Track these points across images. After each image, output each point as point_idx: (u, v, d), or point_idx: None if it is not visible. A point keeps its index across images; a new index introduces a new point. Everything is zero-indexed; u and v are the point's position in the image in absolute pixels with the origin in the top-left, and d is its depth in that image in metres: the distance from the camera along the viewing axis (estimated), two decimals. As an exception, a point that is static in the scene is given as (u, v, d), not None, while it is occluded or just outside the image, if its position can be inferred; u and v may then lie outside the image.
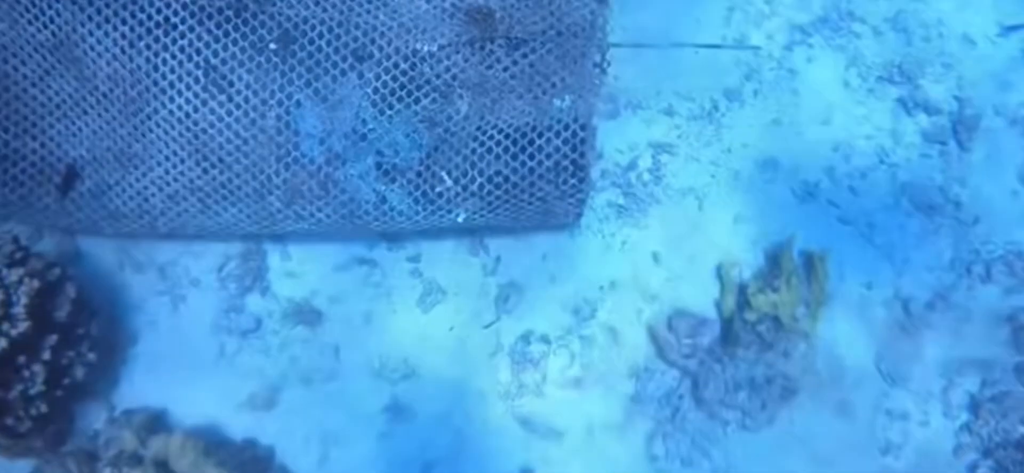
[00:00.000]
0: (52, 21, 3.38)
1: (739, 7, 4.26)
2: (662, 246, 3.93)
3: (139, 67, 3.36)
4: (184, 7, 3.33)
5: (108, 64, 3.38)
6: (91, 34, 3.36)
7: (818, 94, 4.13)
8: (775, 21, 4.25)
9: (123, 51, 3.35)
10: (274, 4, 3.38)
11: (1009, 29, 4.16)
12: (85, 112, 3.47)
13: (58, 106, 3.47)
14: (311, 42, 3.36)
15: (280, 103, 3.36)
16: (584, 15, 3.46)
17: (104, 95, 3.42)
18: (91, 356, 3.42)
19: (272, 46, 3.37)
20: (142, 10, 3.33)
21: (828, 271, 3.79)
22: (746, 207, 3.97)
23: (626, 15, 4.20)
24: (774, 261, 3.82)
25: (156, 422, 3.55)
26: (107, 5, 3.34)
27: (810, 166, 4.02)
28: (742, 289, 3.78)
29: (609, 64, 3.42)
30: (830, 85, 4.14)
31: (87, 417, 3.59)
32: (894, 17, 4.23)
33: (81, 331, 3.44)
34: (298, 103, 3.37)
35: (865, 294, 3.88)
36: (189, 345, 3.74)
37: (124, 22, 3.33)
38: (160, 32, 3.33)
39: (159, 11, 3.33)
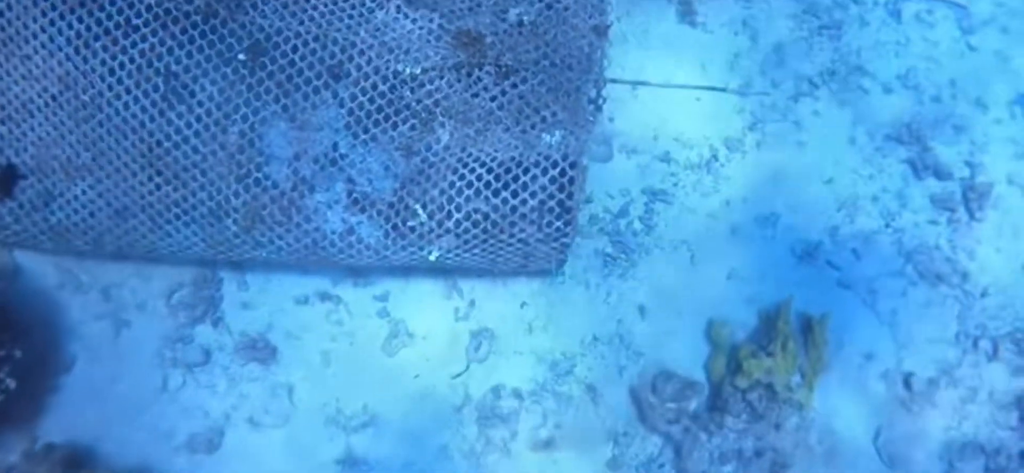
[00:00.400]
0: (2, 14, 3.17)
1: (745, 54, 4.11)
2: (650, 300, 3.73)
3: (93, 69, 3.16)
4: (148, 8, 3.15)
5: (60, 65, 3.18)
6: (44, 30, 3.16)
7: (823, 149, 3.97)
8: (781, 70, 4.10)
9: (77, 51, 3.15)
10: (247, 13, 3.20)
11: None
12: (32, 114, 3.25)
13: (2, 107, 3.25)
14: (284, 55, 3.17)
15: (244, 118, 3.16)
16: (581, 47, 3.29)
17: (53, 98, 3.21)
18: (11, 382, 3.15)
19: (241, 57, 3.17)
20: (102, 9, 3.14)
21: (827, 337, 3.61)
22: (742, 264, 3.79)
23: (625, 53, 4.06)
24: (769, 323, 3.63)
25: (80, 459, 3.28)
26: (64, 1, 3.14)
27: (812, 225, 3.86)
28: (734, 352, 3.59)
29: (605, 101, 3.24)
30: (836, 141, 4.00)
31: (3, 448, 3.31)
32: (905, 74, 4.10)
33: (2, 353, 3.18)
34: (264, 120, 3.17)
35: (864, 365, 3.70)
36: (128, 375, 3.48)
37: (81, 20, 3.14)
38: (119, 34, 3.14)
39: (120, 11, 3.14)
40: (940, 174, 3.95)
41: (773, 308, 3.66)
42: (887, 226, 3.88)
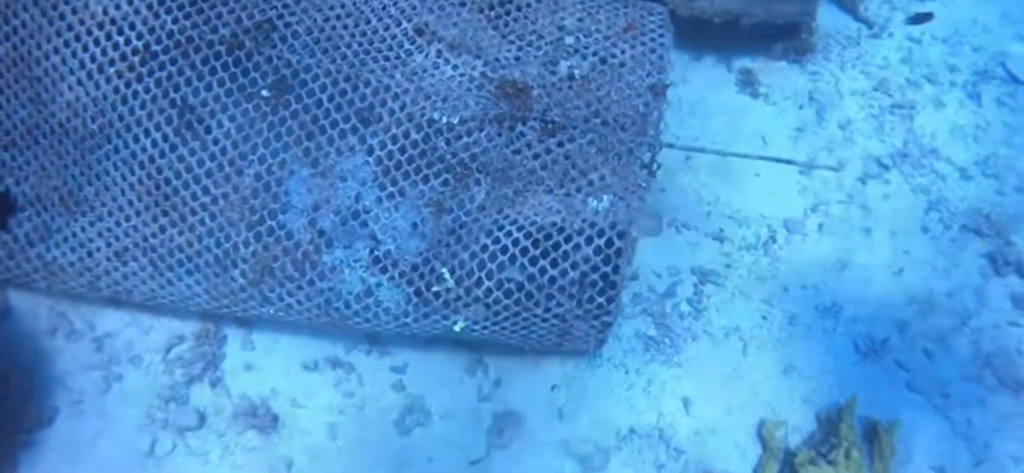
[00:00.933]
0: (15, 32, 3.00)
1: (809, 128, 3.87)
2: (695, 392, 3.42)
3: (104, 96, 2.97)
4: (170, 35, 2.96)
5: (71, 89, 2.99)
6: (57, 51, 2.98)
7: (894, 237, 3.69)
8: (849, 149, 3.84)
9: (90, 76, 2.96)
10: (274, 46, 3.00)
11: None
12: (36, 141, 3.07)
13: (7, 132, 3.06)
14: (310, 95, 2.96)
15: (262, 160, 2.93)
16: (636, 106, 3.06)
17: (60, 124, 3.02)
18: (-18, 436, 2.91)
19: (264, 93, 2.96)
20: (120, 32, 2.95)
21: (895, 447, 3.27)
22: (800, 358, 3.47)
23: (680, 121, 3.84)
24: (830, 426, 3.30)
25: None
26: (81, 22, 2.97)
27: (879, 319, 3.55)
28: (788, 456, 3.26)
29: (659, 167, 2.98)
30: (908, 228, 3.71)
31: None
32: (984, 160, 3.83)
33: (-25, 402, 2.94)
34: (284, 163, 2.95)
35: (935, 482, 3.35)
36: (112, 435, 3.21)
37: (97, 43, 2.96)
38: (136, 59, 2.95)
39: (140, 36, 2.95)
40: (1022, 272, 3.63)
41: (834, 409, 3.33)
42: (963, 325, 3.55)
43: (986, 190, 3.79)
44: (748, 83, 4.02)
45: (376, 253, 3.00)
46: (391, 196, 2.97)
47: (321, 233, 3.00)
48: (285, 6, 3.05)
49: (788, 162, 3.58)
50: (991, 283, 3.63)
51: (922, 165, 3.84)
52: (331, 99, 2.96)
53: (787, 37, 4.07)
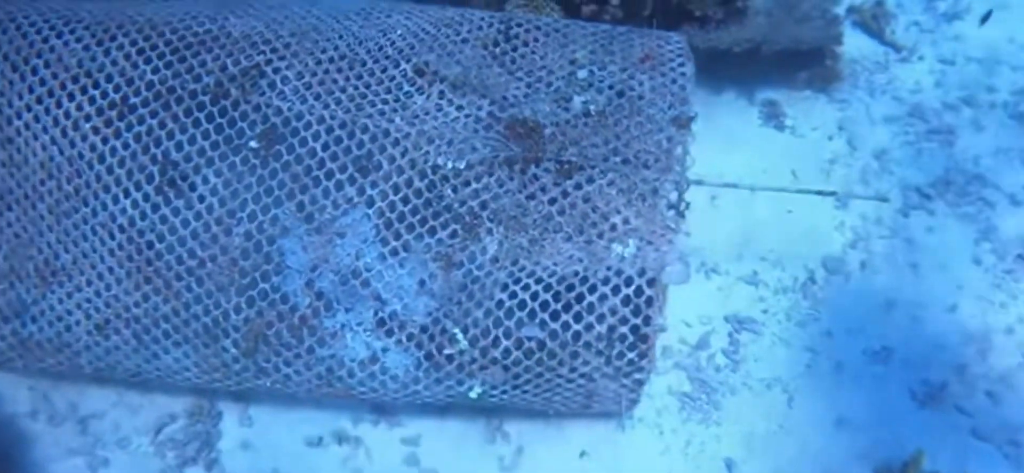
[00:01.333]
0: (-16, 92, 2.79)
1: (842, 159, 3.63)
2: (738, 452, 3.12)
3: (81, 155, 2.74)
4: (149, 86, 2.74)
5: (44, 149, 2.77)
6: (29, 109, 2.76)
7: (943, 272, 3.41)
8: (886, 179, 3.59)
9: (64, 134, 2.74)
10: (263, 93, 2.78)
11: None
12: (9, 208, 2.83)
13: (-21, 199, 2.84)
14: (303, 144, 2.72)
15: (252, 217, 2.69)
16: (659, 141, 2.80)
17: (33, 188, 2.79)
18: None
19: (252, 144, 2.73)
20: (96, 86, 2.74)
21: (964, 504, 2.97)
22: (852, 408, 3.18)
23: (702, 157, 3.57)
24: (890, 485, 3.00)
25: None
26: (54, 76, 2.76)
27: (935, 361, 3.26)
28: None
29: (688, 206, 2.72)
30: (958, 261, 3.44)
31: None
32: (1035, 184, 3.57)
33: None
34: (276, 220, 2.70)
35: (1010, 540, 3.03)
36: (98, 529, 2.93)
37: (72, 98, 2.74)
38: (113, 113, 2.72)
39: (117, 88, 2.73)
40: (1086, 302, 3.35)
41: (896, 464, 3.02)
42: (1026, 366, 3.26)
43: (1039, 216, 3.53)
44: (773, 115, 3.79)
45: (381, 315, 2.74)
46: (395, 252, 2.71)
47: (320, 296, 2.74)
48: (274, 51, 2.84)
49: (829, 194, 3.30)
50: (1054, 316, 3.34)
51: (967, 193, 3.58)
52: (326, 148, 2.72)
53: (811, 65, 3.84)
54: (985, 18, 3.58)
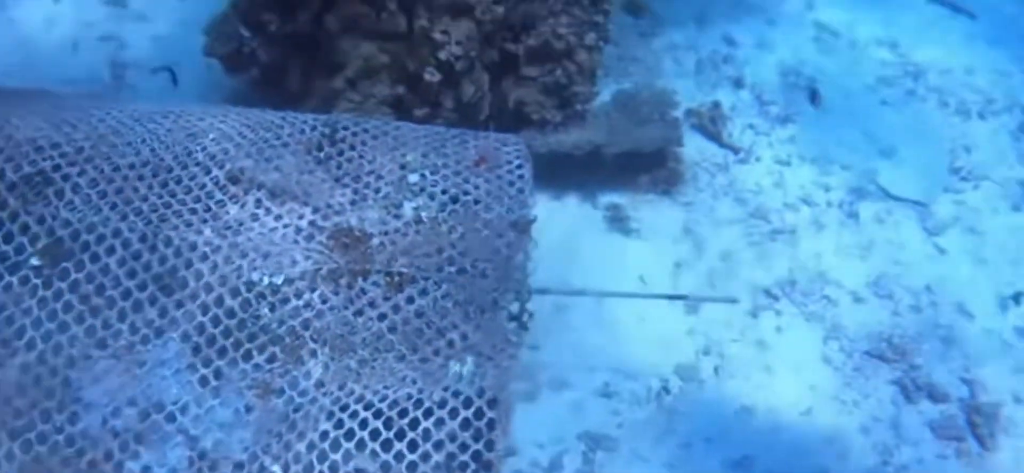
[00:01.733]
0: None
1: (688, 262, 3.59)
2: None
3: None
4: (-94, 202, 2.36)
5: None
6: None
7: (795, 373, 3.37)
8: (733, 282, 3.56)
9: None
10: (48, 203, 2.45)
11: None
12: None
13: None
14: (95, 260, 2.38)
15: (31, 346, 2.31)
16: (497, 248, 2.64)
17: None
18: None
19: (33, 262, 2.38)
20: None
21: None
22: (714, 525, 3.03)
23: (547, 266, 3.44)
24: None
25: None
26: None
27: (796, 469, 3.18)
28: None
29: (531, 317, 2.54)
30: (808, 362, 3.41)
31: None
32: (875, 281, 3.63)
33: None
34: (59, 348, 2.33)
35: None
36: None
37: None
38: None
39: None
40: (935, 396, 3.38)
41: None
42: (886, 464, 3.23)
43: (881, 312, 3.59)
44: (618, 219, 3.73)
45: (190, 454, 2.39)
46: (205, 381, 2.39)
47: (116, 436, 2.37)
48: (63, 156, 2.52)
49: (679, 298, 3.22)
50: (904, 412, 3.35)
51: (812, 292, 3.60)
52: (122, 264, 2.39)
53: (653, 168, 3.84)
54: (814, 96, 3.68)
